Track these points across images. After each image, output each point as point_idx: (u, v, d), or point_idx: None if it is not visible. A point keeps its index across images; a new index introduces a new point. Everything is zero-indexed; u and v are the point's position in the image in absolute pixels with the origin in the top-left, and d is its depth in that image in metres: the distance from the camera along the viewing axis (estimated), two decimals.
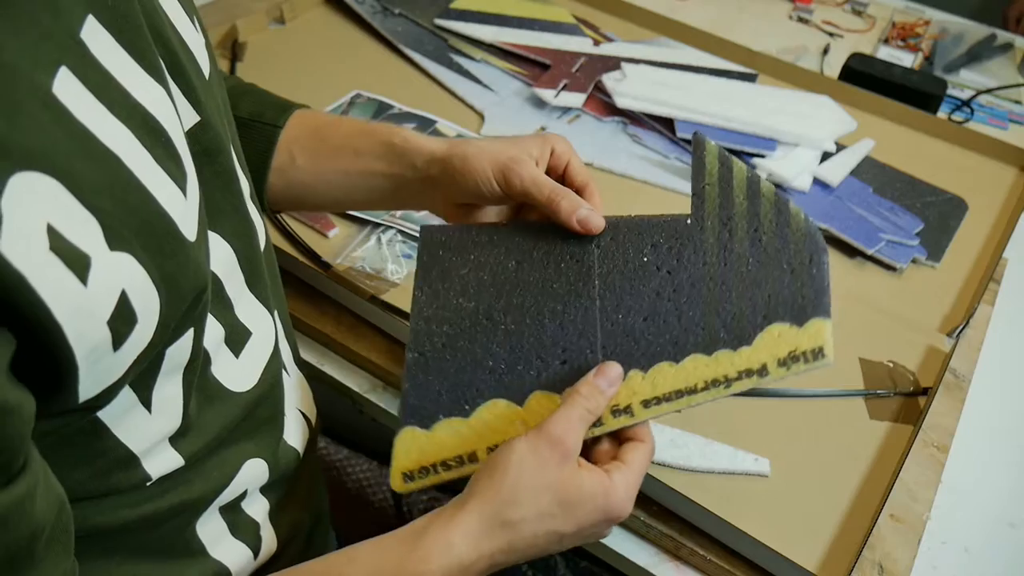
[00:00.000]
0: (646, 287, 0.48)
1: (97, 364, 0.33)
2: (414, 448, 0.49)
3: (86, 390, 0.33)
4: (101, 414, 0.36)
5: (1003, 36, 1.31)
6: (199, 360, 0.41)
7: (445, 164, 0.54)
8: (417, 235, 0.61)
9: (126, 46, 0.35)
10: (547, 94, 0.97)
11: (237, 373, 0.46)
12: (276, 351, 0.50)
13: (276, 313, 0.51)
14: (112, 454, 0.38)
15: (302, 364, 0.58)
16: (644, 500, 0.58)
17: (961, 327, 0.74)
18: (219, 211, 0.44)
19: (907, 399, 0.68)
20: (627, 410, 0.46)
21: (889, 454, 0.63)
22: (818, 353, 0.44)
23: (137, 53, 0.36)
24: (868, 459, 0.62)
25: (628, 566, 0.58)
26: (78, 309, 0.30)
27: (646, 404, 0.46)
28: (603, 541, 0.58)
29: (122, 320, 0.33)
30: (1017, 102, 1.17)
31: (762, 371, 0.45)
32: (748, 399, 0.66)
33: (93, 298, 0.31)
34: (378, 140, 0.57)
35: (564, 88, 0.99)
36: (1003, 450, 0.69)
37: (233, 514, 0.48)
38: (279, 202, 0.62)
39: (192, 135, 0.41)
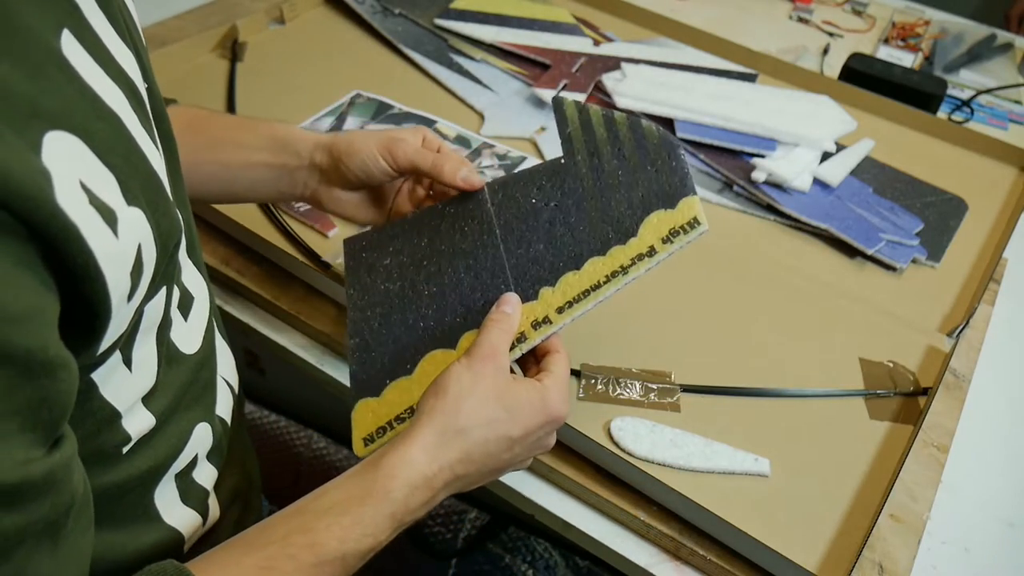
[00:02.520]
0: (539, 221, 0.55)
1: (118, 315, 0.34)
2: (368, 415, 0.53)
3: (105, 343, 0.35)
4: (94, 374, 0.38)
5: (1003, 36, 1.31)
6: (168, 319, 0.43)
7: (331, 149, 0.58)
8: None
9: (103, 8, 0.37)
10: (547, 94, 0.97)
11: (186, 336, 0.47)
12: (211, 316, 0.52)
13: (206, 281, 0.52)
14: (100, 414, 0.39)
15: (227, 334, 0.59)
16: (644, 500, 0.58)
17: (961, 327, 0.74)
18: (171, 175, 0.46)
19: (907, 399, 0.68)
20: (545, 320, 0.52)
21: (889, 454, 0.63)
22: (693, 223, 0.53)
23: (111, 16, 0.37)
24: (868, 459, 0.62)
25: (628, 566, 0.58)
26: (114, 259, 0.32)
27: (560, 310, 0.52)
28: (603, 541, 0.58)
29: (136, 271, 0.35)
30: (1017, 102, 1.17)
31: (651, 252, 0.52)
32: (748, 399, 0.66)
33: (122, 250, 0.33)
34: (260, 132, 0.60)
35: (564, 88, 0.99)
36: (1003, 450, 0.69)
37: (185, 481, 0.49)
38: None
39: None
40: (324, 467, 0.94)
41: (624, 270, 0.52)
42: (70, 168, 0.30)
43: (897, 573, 0.54)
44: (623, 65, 1.02)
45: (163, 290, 0.41)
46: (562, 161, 0.56)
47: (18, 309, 0.28)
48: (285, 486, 0.93)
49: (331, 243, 0.74)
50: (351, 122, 0.89)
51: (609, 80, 1.00)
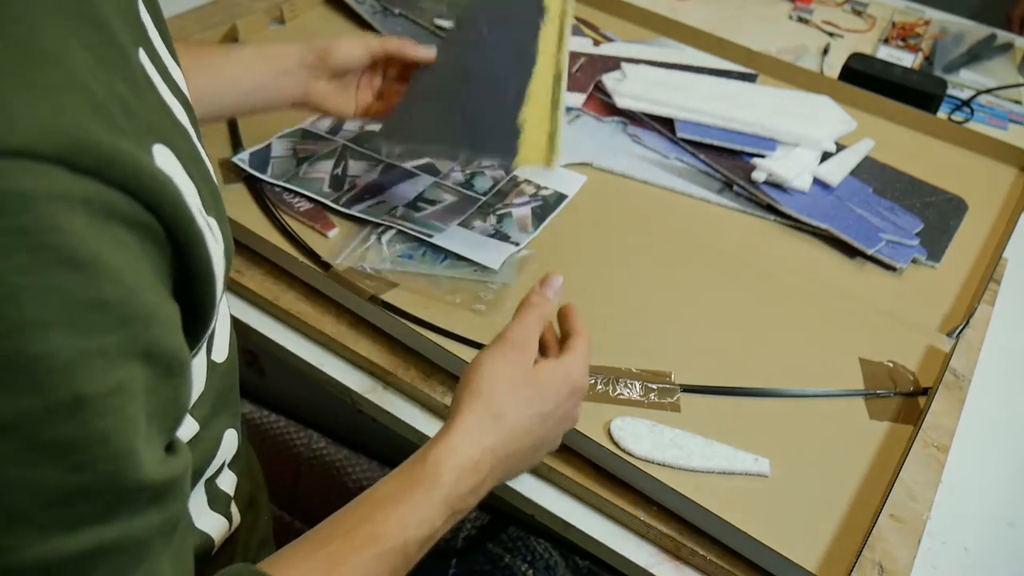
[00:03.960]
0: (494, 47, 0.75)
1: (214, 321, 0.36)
2: (532, 149, 0.68)
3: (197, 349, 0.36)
4: None
5: (1003, 36, 1.31)
6: (212, 325, 0.43)
7: (315, 48, 0.69)
8: (418, 235, 0.75)
9: (157, 25, 0.38)
10: None
11: (220, 342, 0.48)
12: (232, 324, 0.53)
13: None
14: None
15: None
16: (644, 500, 0.58)
17: (961, 327, 0.74)
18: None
19: (907, 399, 0.68)
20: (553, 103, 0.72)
21: (889, 454, 0.63)
22: None
23: (163, 32, 0.39)
24: (868, 459, 0.62)
25: (628, 566, 0.58)
26: (218, 265, 0.34)
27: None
28: (603, 541, 0.58)
29: (223, 278, 0.37)
30: (1017, 102, 1.17)
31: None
32: (748, 399, 0.66)
33: (220, 255, 0.35)
34: (251, 49, 0.69)
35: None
36: (1003, 450, 0.69)
37: (212, 488, 0.50)
38: None
39: None
40: (324, 467, 0.94)
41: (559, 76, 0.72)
42: (176, 178, 0.31)
43: (897, 573, 0.54)
44: (623, 65, 1.02)
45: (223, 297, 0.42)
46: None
47: (163, 313, 0.30)
48: (285, 486, 0.93)
49: (331, 243, 0.74)
50: (351, 121, 0.89)
51: (609, 80, 1.00)
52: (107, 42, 0.30)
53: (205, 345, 0.43)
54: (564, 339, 0.55)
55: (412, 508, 0.44)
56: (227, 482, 0.52)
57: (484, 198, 0.81)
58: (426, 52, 0.72)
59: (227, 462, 0.51)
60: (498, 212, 0.79)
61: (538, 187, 0.84)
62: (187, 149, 0.35)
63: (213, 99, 0.67)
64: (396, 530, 0.43)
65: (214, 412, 0.47)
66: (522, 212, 0.80)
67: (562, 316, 0.56)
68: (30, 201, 0.24)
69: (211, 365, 0.46)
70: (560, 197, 0.83)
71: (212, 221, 0.36)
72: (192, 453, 0.44)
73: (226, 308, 0.51)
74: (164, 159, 0.31)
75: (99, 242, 0.26)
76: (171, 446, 0.33)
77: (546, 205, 0.81)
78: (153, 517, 0.31)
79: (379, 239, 0.75)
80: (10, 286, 0.24)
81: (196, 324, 0.35)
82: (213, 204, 0.37)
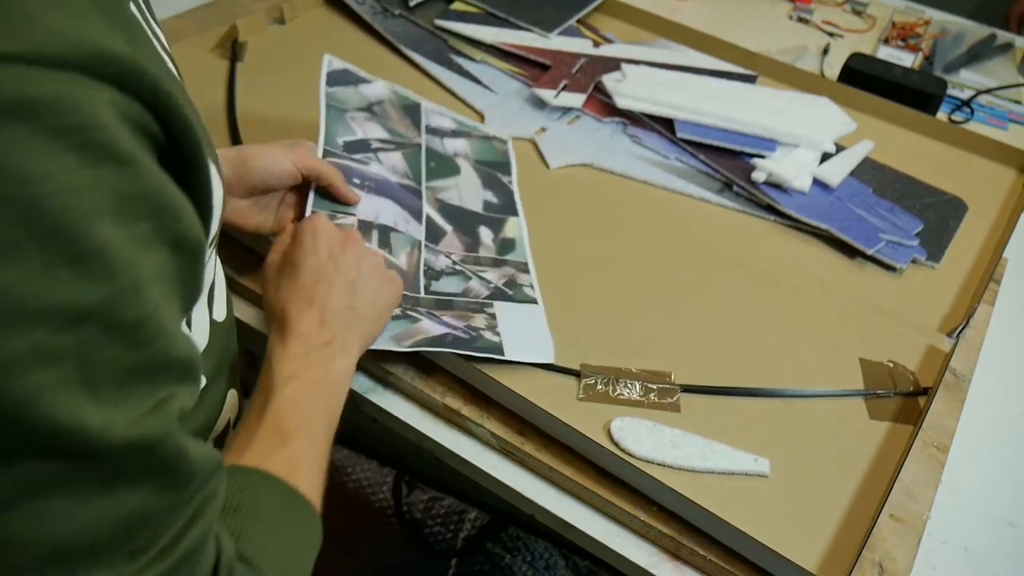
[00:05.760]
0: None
1: (208, 262, 0.38)
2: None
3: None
4: None
5: (1003, 36, 1.31)
6: (212, 281, 0.46)
7: (234, 159, 0.62)
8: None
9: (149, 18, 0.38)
10: (547, 95, 0.97)
11: (218, 302, 0.49)
12: (228, 287, 0.55)
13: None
14: None
15: None
16: (644, 500, 0.58)
17: (961, 327, 0.74)
18: None
19: (907, 399, 0.68)
20: None
21: (889, 454, 0.63)
22: None
23: (154, 20, 0.39)
24: (868, 459, 0.62)
25: (628, 566, 0.58)
26: (217, 201, 0.36)
27: None
28: (603, 541, 0.58)
29: (217, 222, 0.39)
30: (1017, 102, 1.17)
31: None
32: (748, 399, 0.66)
33: (220, 195, 0.38)
34: None
35: (564, 89, 0.99)
36: (1003, 450, 0.69)
37: (218, 447, 0.52)
38: None
39: None
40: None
41: None
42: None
43: (897, 573, 0.54)
44: (623, 66, 1.02)
45: (213, 249, 0.43)
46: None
47: (184, 202, 0.32)
48: None
49: None
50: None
51: (609, 80, 1.00)
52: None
53: (207, 300, 0.44)
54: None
55: (276, 363, 0.50)
56: None
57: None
58: (352, 196, 0.66)
59: (231, 421, 0.53)
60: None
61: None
62: (185, 96, 0.36)
63: None
64: (279, 378, 0.49)
65: (218, 370, 0.49)
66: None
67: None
68: (75, 102, 0.26)
69: (212, 323, 0.47)
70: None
71: (212, 166, 0.36)
72: (198, 410, 0.46)
73: (220, 269, 0.52)
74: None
75: (132, 141, 0.28)
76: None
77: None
78: (183, 393, 0.33)
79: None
80: (68, 181, 0.26)
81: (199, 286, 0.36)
82: (211, 151, 0.37)
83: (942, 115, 1.10)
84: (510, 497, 0.61)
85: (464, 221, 0.75)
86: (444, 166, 0.79)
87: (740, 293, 0.76)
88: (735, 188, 0.89)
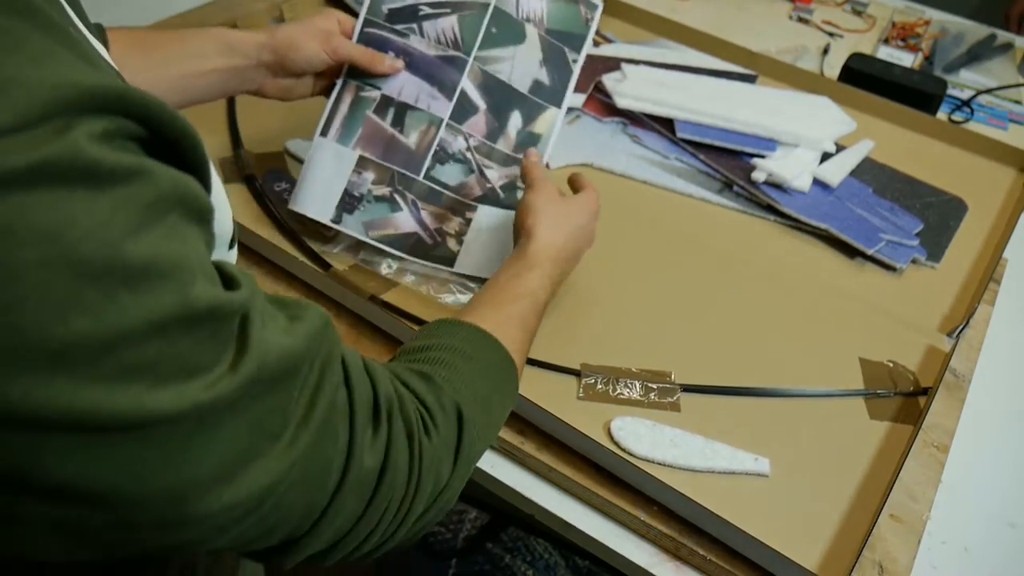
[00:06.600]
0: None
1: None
2: None
3: None
4: None
5: (1003, 36, 1.31)
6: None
7: (275, 48, 0.67)
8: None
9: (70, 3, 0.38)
10: None
11: None
12: None
13: None
14: None
15: None
16: (644, 500, 0.58)
17: (961, 327, 0.74)
18: None
19: (907, 399, 0.68)
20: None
21: (889, 454, 0.63)
22: None
23: (76, 8, 0.39)
24: (868, 459, 0.62)
25: (628, 566, 0.58)
26: (222, 206, 0.37)
27: None
28: (603, 541, 0.58)
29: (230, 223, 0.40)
30: (1017, 102, 1.17)
31: None
32: (748, 399, 0.66)
33: (223, 199, 0.39)
34: (207, 42, 0.67)
35: None
36: (1003, 450, 0.69)
37: None
38: None
39: None
40: None
41: None
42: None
43: (897, 573, 0.54)
44: (623, 66, 1.02)
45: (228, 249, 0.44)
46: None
47: (190, 181, 0.32)
48: None
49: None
50: None
51: (609, 80, 1.00)
52: (46, 25, 0.30)
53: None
54: (573, 187, 0.71)
55: (530, 280, 0.58)
56: None
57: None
58: (393, 63, 0.70)
59: None
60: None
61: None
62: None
63: (169, 95, 0.66)
64: (527, 292, 0.57)
65: None
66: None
67: (572, 179, 0.72)
68: (67, 150, 0.27)
69: None
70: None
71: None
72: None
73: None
74: None
75: (130, 154, 0.29)
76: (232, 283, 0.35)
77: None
78: (251, 308, 0.34)
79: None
80: (91, 218, 0.27)
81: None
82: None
83: (942, 115, 1.10)
84: (510, 497, 0.61)
85: (501, 100, 0.73)
86: (507, 32, 0.73)
87: (740, 293, 0.76)
88: (735, 188, 0.89)
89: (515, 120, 0.74)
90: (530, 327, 0.56)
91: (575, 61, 0.75)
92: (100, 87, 0.29)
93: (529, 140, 0.74)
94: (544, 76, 0.74)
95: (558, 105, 0.75)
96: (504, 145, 0.74)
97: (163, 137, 0.31)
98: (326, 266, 0.71)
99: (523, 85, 0.74)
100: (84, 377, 0.27)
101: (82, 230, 0.27)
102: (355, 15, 0.72)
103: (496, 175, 0.74)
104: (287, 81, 0.70)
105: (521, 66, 0.74)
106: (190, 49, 0.66)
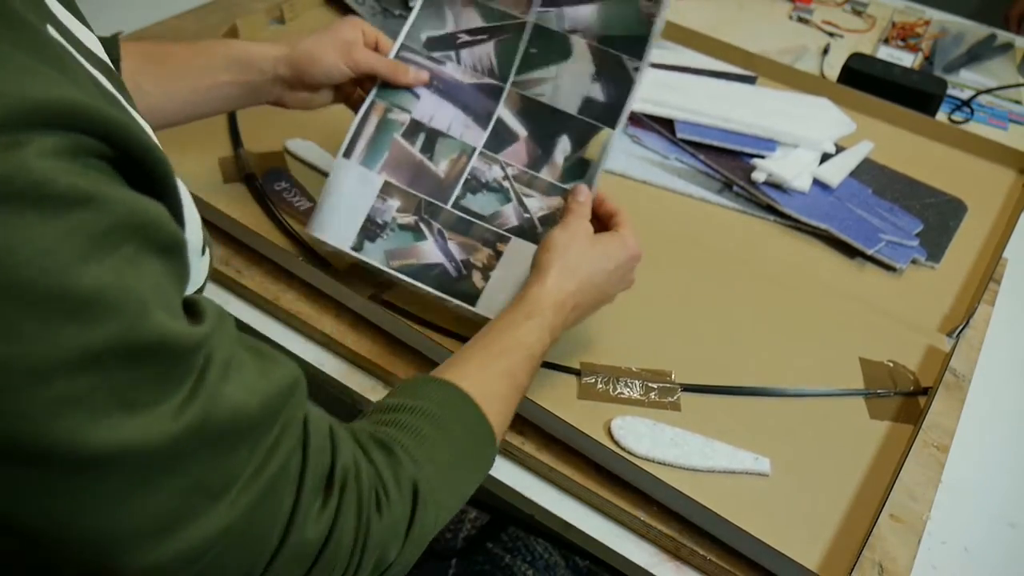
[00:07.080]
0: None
1: (195, 265, 0.38)
2: None
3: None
4: None
5: (1003, 36, 1.31)
6: (203, 287, 0.47)
7: (292, 62, 0.65)
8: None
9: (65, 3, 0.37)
10: None
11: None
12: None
13: None
14: None
15: None
16: (644, 500, 0.58)
17: (961, 327, 0.74)
18: None
19: (907, 399, 0.68)
20: None
21: (889, 454, 0.63)
22: None
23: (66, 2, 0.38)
24: (868, 459, 0.63)
25: (628, 566, 0.58)
26: (191, 217, 0.38)
27: None
28: (603, 541, 0.58)
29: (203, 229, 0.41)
30: (1017, 102, 1.17)
31: None
32: (748, 399, 0.66)
33: (193, 211, 0.39)
34: (220, 55, 0.66)
35: None
36: (1003, 450, 0.69)
37: None
38: None
39: None
40: None
41: None
42: None
43: (897, 573, 0.54)
44: None
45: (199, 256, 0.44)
46: None
47: (159, 209, 0.32)
48: None
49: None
50: None
51: None
52: (16, 24, 0.29)
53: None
54: (607, 221, 0.64)
55: (526, 331, 0.54)
56: None
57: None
58: (418, 75, 0.68)
59: None
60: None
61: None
62: (125, 110, 0.36)
63: (183, 108, 0.65)
64: (519, 344, 0.54)
65: None
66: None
67: (598, 203, 0.65)
68: (17, 167, 0.26)
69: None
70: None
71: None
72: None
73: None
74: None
75: (88, 176, 0.28)
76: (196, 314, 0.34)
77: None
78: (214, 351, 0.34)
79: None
80: (37, 243, 0.26)
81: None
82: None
83: (942, 115, 1.10)
84: (510, 497, 0.61)
85: (545, 125, 0.67)
86: (549, 50, 0.68)
87: (741, 293, 0.76)
88: (735, 188, 0.89)
89: (563, 145, 0.67)
90: (519, 384, 0.53)
91: (636, 69, 0.65)
92: (55, 100, 0.27)
93: (578, 167, 0.66)
94: (598, 92, 0.66)
95: (612, 125, 0.66)
96: (549, 174, 0.67)
97: (129, 156, 0.30)
98: (326, 265, 0.71)
99: (571, 105, 0.67)
100: (10, 405, 0.26)
101: (25, 255, 0.26)
102: (355, 15, 0.71)
103: (536, 204, 0.66)
104: (305, 94, 0.68)
105: (567, 84, 0.67)
106: (204, 63, 0.65)
